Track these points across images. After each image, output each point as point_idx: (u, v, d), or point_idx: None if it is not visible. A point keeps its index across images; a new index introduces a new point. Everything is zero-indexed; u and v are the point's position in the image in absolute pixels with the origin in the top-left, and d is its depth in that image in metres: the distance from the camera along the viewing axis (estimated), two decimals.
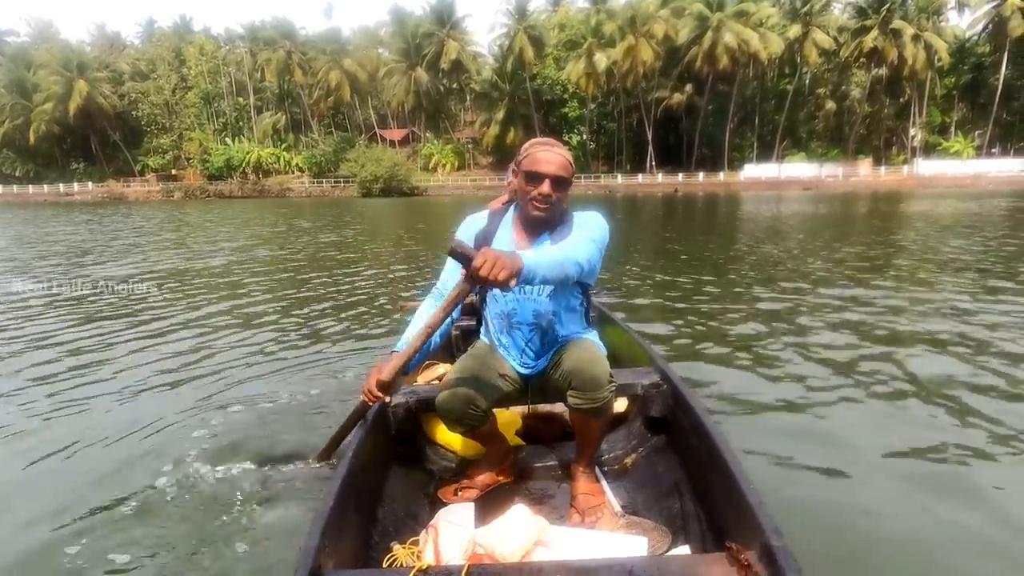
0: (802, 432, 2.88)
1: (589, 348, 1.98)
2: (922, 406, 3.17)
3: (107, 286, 7.49)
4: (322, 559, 1.39)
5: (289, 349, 4.50)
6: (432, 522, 1.86)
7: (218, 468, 2.53)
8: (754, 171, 51.13)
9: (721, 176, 51.35)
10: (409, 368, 2.01)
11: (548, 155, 1.93)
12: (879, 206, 23.68)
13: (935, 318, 5.01)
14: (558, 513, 2.07)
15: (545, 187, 1.92)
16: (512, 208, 2.13)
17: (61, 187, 60.60)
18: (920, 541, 2.04)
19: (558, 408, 2.61)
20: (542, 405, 2.47)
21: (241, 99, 67.90)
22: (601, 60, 51.18)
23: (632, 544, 1.74)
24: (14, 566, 2.01)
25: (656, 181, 51.78)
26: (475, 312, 2.35)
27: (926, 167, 48.42)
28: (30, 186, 61.64)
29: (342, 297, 6.61)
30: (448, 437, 2.44)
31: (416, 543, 1.75)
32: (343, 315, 5.65)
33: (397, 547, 1.72)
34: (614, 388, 1.97)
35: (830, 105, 55.08)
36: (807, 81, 55.55)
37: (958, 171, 46.29)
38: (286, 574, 1.35)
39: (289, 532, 2.06)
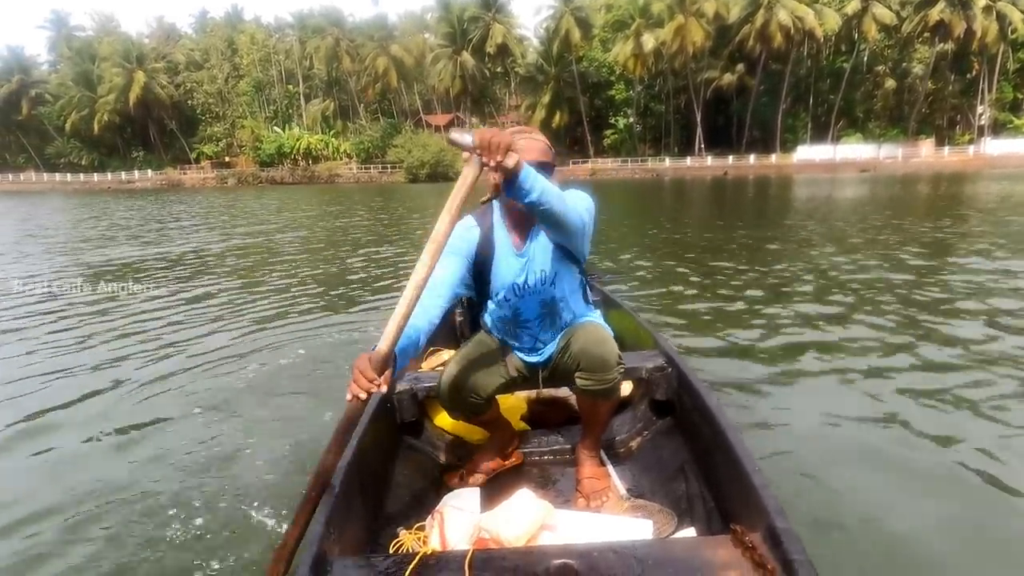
0: (819, 423, 2.84)
1: (597, 330, 1.95)
2: (945, 399, 3.07)
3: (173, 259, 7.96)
4: (327, 547, 1.39)
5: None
6: (438, 508, 1.86)
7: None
8: (807, 153, 49.50)
9: (773, 159, 49.88)
10: (401, 356, 1.61)
11: (526, 143, 1.85)
12: (943, 188, 22.70)
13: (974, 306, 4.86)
14: (563, 497, 2.07)
15: None
16: (495, 205, 1.97)
17: (123, 175, 63.19)
18: (927, 530, 2.02)
19: (563, 393, 2.64)
20: (548, 389, 2.46)
21: (291, 87, 69.21)
22: (649, 41, 50.17)
23: (638, 527, 1.74)
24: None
25: (705, 164, 50.68)
26: (469, 305, 2.22)
27: (994, 146, 45.96)
28: (95, 174, 64.50)
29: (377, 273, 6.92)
30: (453, 423, 2.45)
31: (422, 528, 1.76)
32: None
33: (403, 533, 1.73)
34: (623, 369, 1.95)
35: (890, 83, 52.75)
36: (865, 58, 53.28)
37: None
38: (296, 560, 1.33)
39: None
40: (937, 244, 8.38)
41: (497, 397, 2.16)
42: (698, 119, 53.28)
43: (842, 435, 2.68)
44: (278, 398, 3.39)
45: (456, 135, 1.50)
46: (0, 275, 7.75)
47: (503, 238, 1.96)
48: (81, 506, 2.33)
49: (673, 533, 1.75)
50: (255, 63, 69.21)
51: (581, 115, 56.51)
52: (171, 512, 2.25)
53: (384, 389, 1.48)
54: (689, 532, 1.74)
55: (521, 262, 1.95)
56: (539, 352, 2.08)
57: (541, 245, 1.94)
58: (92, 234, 13.45)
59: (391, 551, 1.65)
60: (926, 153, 47.59)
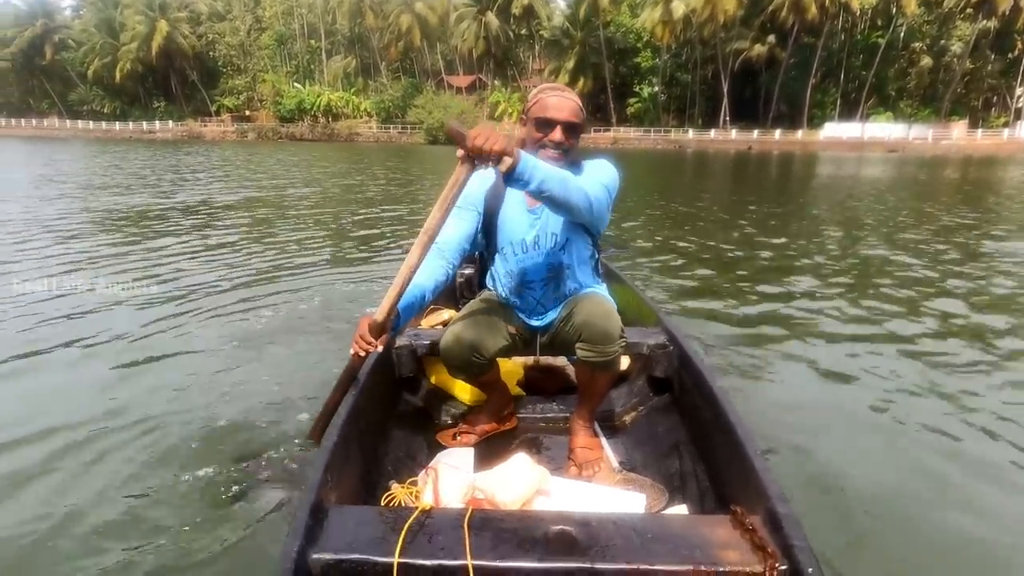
0: (827, 408, 2.82)
1: (601, 302, 1.93)
2: (957, 385, 3.03)
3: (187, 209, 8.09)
4: (325, 494, 1.41)
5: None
6: (431, 464, 1.87)
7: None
8: (835, 130, 48.41)
9: (799, 134, 48.86)
10: (398, 326, 1.84)
11: (559, 101, 1.84)
12: (972, 172, 22.23)
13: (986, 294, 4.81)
14: (555, 464, 2.07)
15: (557, 134, 1.83)
16: None
17: (144, 125, 63.24)
18: (933, 519, 2.01)
19: (560, 361, 2.65)
20: (546, 357, 2.47)
21: (313, 42, 68.49)
22: (679, 7, 48.84)
23: (630, 500, 1.75)
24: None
25: (729, 137, 49.77)
26: (477, 262, 2.24)
27: None
28: (116, 123, 64.69)
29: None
30: (450, 382, 2.47)
31: (414, 483, 1.77)
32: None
33: (395, 486, 1.75)
34: (624, 343, 1.94)
35: (925, 61, 51.11)
36: (902, 34, 51.59)
37: None
38: (288, 514, 1.38)
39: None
40: (953, 229, 8.27)
41: (497, 360, 2.15)
42: (724, 91, 52.14)
43: (848, 422, 2.66)
44: (291, 340, 3.58)
45: (456, 126, 1.52)
46: (27, 217, 7.91)
47: (517, 192, 1.92)
48: (97, 425, 2.53)
49: (664, 509, 1.77)
50: (278, 16, 68.43)
51: (605, 82, 55.49)
52: (182, 435, 2.44)
53: (380, 349, 1.73)
54: (680, 509, 1.75)
55: (532, 219, 1.96)
56: (541, 316, 2.08)
57: None
58: (114, 181, 13.65)
59: (383, 503, 1.68)
60: (957, 135, 46.35)
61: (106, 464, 2.25)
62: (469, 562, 1.25)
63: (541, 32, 60.82)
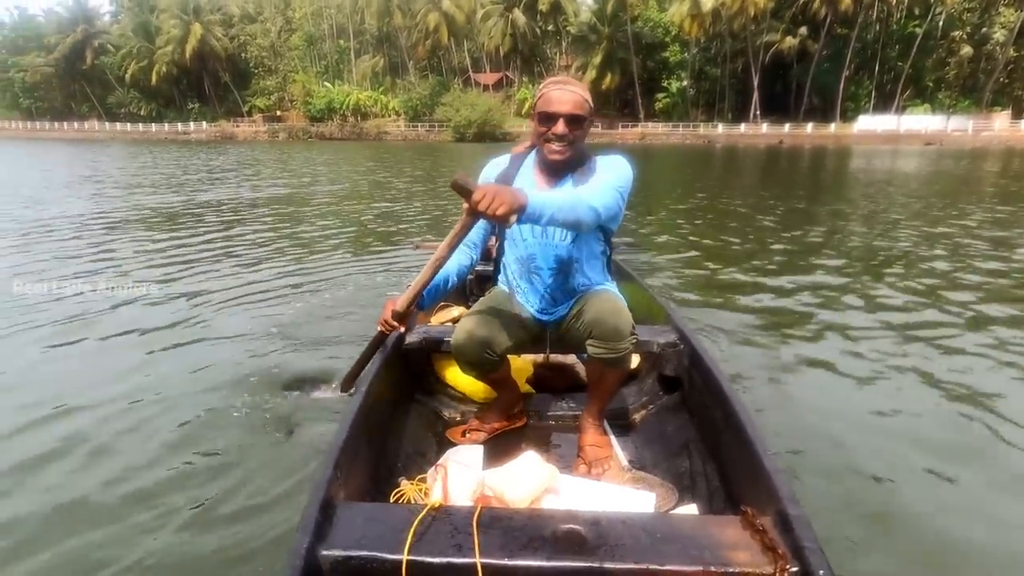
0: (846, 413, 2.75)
1: (612, 299, 1.93)
2: (973, 386, 2.97)
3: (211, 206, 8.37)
4: (334, 490, 1.41)
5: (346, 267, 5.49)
6: (440, 461, 1.87)
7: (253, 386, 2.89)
8: (869, 123, 47.26)
9: (832, 128, 47.87)
10: (424, 306, 2.05)
11: (561, 93, 1.85)
12: (1016, 164, 21.53)
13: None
14: (564, 463, 2.07)
15: (559, 127, 1.84)
16: (534, 152, 2.04)
17: (179, 126, 64.90)
18: (946, 520, 1.97)
19: (570, 359, 2.65)
20: (556, 355, 2.46)
21: (342, 41, 69.33)
22: (708, 1, 48.28)
23: (640, 499, 1.74)
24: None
25: (760, 132, 49.00)
26: (491, 258, 2.28)
27: None
28: (153, 124, 66.41)
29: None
30: (459, 379, 2.47)
31: (423, 480, 1.77)
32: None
33: (405, 483, 1.76)
34: (635, 340, 1.94)
35: (966, 50, 49.55)
36: (940, 23, 50.14)
37: None
38: (300, 501, 1.39)
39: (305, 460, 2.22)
40: (990, 224, 8.05)
41: (508, 357, 2.16)
42: (755, 84, 51.36)
43: (860, 422, 2.62)
44: (316, 324, 3.84)
45: (462, 183, 1.57)
46: (70, 213, 8.22)
47: (528, 177, 2.00)
48: (124, 401, 2.76)
49: (673, 508, 1.76)
50: (307, 17, 69.45)
51: (633, 77, 55.10)
52: (213, 406, 2.68)
53: (403, 330, 1.96)
54: (690, 509, 1.74)
55: None
56: (551, 312, 2.08)
57: None
58: (148, 180, 14.07)
59: (392, 500, 1.69)
60: (1000, 126, 44.89)
61: (149, 431, 2.49)
62: (478, 560, 1.25)
63: (568, 28, 60.63)
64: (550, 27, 62.06)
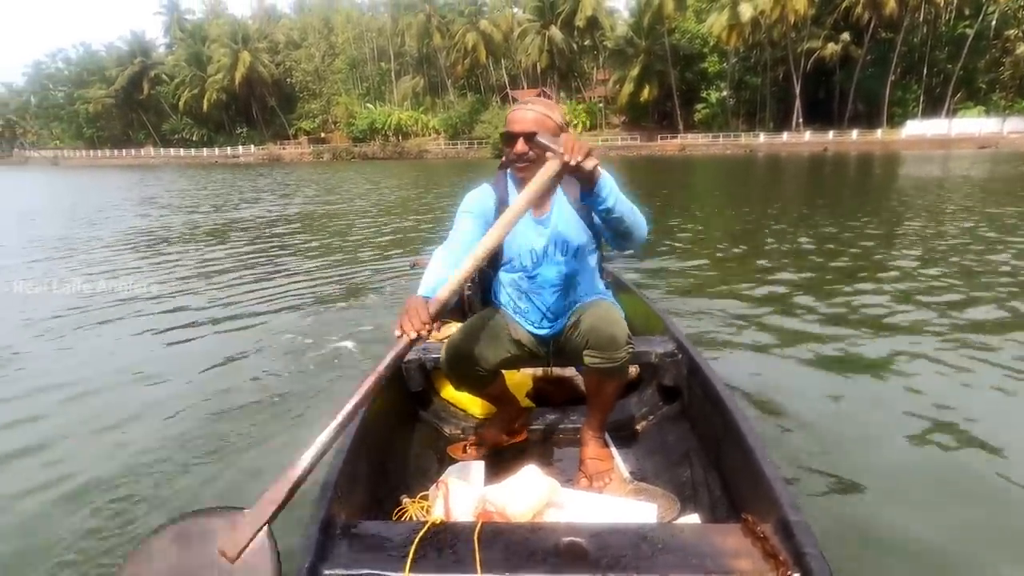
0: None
1: (607, 308, 1.93)
2: (976, 398, 2.93)
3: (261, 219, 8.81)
4: (335, 510, 1.41)
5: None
6: (442, 478, 1.87)
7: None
8: (918, 128, 45.78)
9: (878, 134, 46.52)
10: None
11: (519, 114, 1.89)
12: None
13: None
14: (566, 476, 2.07)
15: (519, 146, 1.87)
16: (509, 175, 2.04)
17: (228, 150, 67.62)
18: (944, 529, 1.96)
19: (569, 372, 2.65)
20: (556, 368, 2.46)
21: (383, 64, 71.15)
22: (747, 10, 47.78)
23: (642, 510, 1.73)
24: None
25: (802, 140, 48.03)
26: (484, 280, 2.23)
27: None
28: (204, 149, 69.38)
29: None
30: (459, 396, 2.48)
31: (425, 498, 1.77)
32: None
33: (406, 500, 1.75)
34: (632, 349, 1.93)
35: (1022, 49, 47.73)
36: (993, 22, 48.46)
37: None
38: (302, 520, 1.37)
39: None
40: None
41: (504, 373, 2.17)
42: (796, 92, 50.47)
43: (859, 432, 2.61)
44: (351, 328, 4.25)
45: (545, 139, 1.60)
46: (133, 230, 8.76)
47: (514, 198, 1.95)
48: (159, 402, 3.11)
49: (676, 518, 1.76)
50: (350, 41, 71.60)
51: (671, 89, 54.84)
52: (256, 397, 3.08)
53: (429, 334, 1.53)
54: (692, 518, 1.74)
55: (540, 230, 1.98)
56: (548, 326, 2.08)
57: (565, 217, 1.97)
58: (204, 200, 14.88)
59: (394, 518, 1.70)
60: None
61: (179, 414, 2.85)
62: (479, 575, 1.26)
63: (605, 42, 60.84)
64: (587, 42, 62.37)
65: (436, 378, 2.57)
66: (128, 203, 15.11)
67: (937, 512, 2.06)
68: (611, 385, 2.00)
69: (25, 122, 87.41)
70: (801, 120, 50.79)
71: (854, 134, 46.59)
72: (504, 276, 2.09)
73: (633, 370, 2.58)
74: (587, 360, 1.91)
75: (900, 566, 1.80)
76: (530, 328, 2.09)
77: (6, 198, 19.62)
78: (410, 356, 2.30)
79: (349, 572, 1.27)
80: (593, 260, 2.06)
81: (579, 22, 57.81)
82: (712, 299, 4.84)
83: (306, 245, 8.09)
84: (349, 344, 3.85)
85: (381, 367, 1.43)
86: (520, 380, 2.58)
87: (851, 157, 35.04)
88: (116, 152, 73.68)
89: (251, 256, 7.33)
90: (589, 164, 1.56)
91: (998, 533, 1.96)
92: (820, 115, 51.18)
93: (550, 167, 1.58)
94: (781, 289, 5.13)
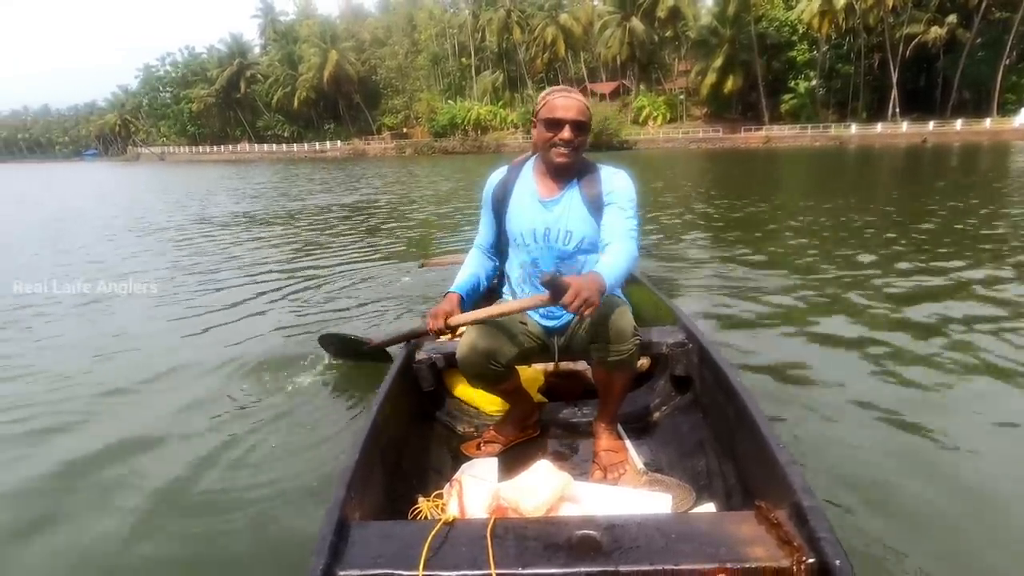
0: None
1: (613, 301, 1.91)
2: (990, 388, 2.88)
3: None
4: (348, 511, 1.41)
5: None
6: (456, 476, 1.88)
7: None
8: None
9: (987, 123, 42.99)
10: (469, 296, 2.10)
11: (566, 101, 1.92)
12: None
13: None
14: (580, 470, 2.07)
15: (566, 132, 1.90)
16: (532, 159, 2.11)
17: (316, 145, 70.78)
18: (960, 508, 1.96)
19: (580, 366, 2.67)
20: (565, 362, 2.47)
21: (464, 59, 72.36)
22: None
23: (657, 501, 1.73)
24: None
25: (899, 131, 45.07)
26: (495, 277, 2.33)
27: None
28: (294, 145, 73.11)
29: None
30: (471, 393, 2.50)
31: (440, 496, 1.76)
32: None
33: (421, 500, 1.75)
34: (638, 341, 1.94)
35: None
36: None
37: None
38: (315, 520, 1.41)
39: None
40: None
41: (516, 368, 2.19)
42: (894, 80, 47.58)
43: (873, 413, 2.60)
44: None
45: (554, 280, 1.64)
46: (228, 214, 9.64)
47: (528, 184, 2.06)
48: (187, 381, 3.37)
49: (692, 508, 1.76)
50: (432, 38, 73.28)
51: (756, 79, 52.95)
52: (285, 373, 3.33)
53: (439, 336, 1.96)
54: (708, 507, 1.74)
55: (544, 212, 2.02)
56: (556, 317, 2.11)
57: (573, 207, 2.00)
58: (298, 190, 15.91)
59: (409, 517, 1.70)
60: None
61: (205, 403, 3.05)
62: (493, 571, 1.25)
63: (687, 32, 59.40)
64: (668, 33, 61.09)
65: (447, 377, 2.59)
66: (237, 193, 16.32)
67: (955, 496, 2.04)
68: (620, 378, 2.03)
69: (138, 121, 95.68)
70: (898, 110, 47.91)
71: (958, 124, 43.38)
72: (511, 257, 2.16)
73: (644, 361, 2.61)
74: (594, 354, 1.96)
75: (916, 549, 1.78)
76: (538, 320, 2.14)
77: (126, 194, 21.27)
78: (420, 356, 2.39)
79: (363, 572, 1.27)
80: (597, 250, 2.03)
81: (661, 12, 56.71)
82: (725, 283, 4.94)
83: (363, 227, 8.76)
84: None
85: (408, 329, 1.86)
86: (531, 375, 2.61)
87: (954, 148, 32.68)
88: (215, 148, 79.20)
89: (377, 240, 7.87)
90: (587, 315, 1.65)
91: (1020, 519, 1.94)
92: (919, 104, 48.13)
93: (545, 301, 1.72)
94: (798, 280, 5.06)
